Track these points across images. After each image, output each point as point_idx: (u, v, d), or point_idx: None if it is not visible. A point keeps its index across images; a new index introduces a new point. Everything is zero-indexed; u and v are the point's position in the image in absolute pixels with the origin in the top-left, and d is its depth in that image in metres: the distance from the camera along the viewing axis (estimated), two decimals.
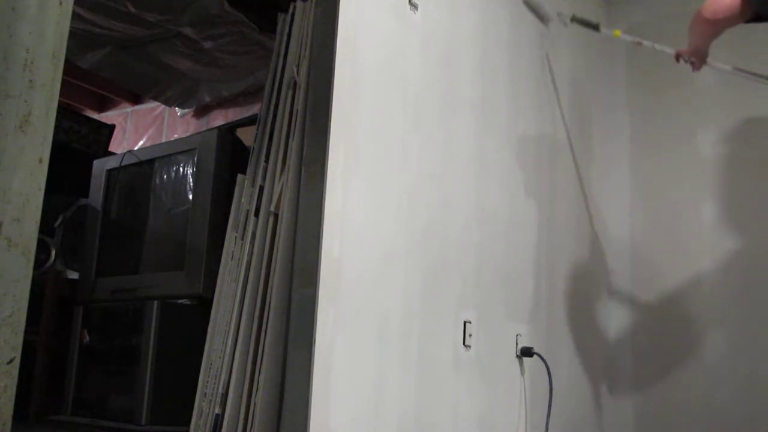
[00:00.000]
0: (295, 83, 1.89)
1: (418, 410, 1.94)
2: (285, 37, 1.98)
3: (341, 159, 1.76)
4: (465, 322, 2.17)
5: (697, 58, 2.45)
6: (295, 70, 1.90)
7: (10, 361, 0.80)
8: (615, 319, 3.18)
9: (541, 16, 2.79)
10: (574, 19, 2.81)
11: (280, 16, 2.03)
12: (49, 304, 2.55)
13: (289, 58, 1.94)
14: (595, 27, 2.77)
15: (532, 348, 2.45)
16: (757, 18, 2.18)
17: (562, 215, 2.86)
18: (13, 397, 0.82)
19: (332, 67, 1.77)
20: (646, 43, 2.61)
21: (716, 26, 2.22)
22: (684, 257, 3.06)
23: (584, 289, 3.02)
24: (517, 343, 2.44)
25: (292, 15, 1.98)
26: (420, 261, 2.00)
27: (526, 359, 2.47)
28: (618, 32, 2.70)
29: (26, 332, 0.84)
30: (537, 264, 2.62)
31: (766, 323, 2.84)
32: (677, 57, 2.48)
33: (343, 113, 1.78)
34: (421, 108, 2.06)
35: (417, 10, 2.08)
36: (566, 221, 2.89)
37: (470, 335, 2.18)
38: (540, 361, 2.47)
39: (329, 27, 1.81)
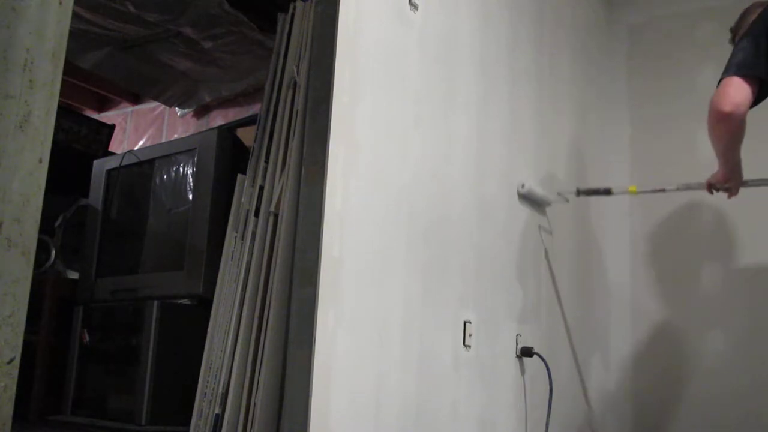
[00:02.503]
0: (295, 83, 1.89)
1: (418, 410, 1.94)
2: (285, 37, 1.98)
3: (341, 159, 1.76)
4: (465, 322, 2.17)
5: (734, 181, 2.19)
6: (295, 70, 1.90)
7: (10, 361, 0.80)
8: (615, 320, 3.18)
9: (541, 202, 2.63)
10: (581, 192, 2.63)
11: (280, 16, 2.03)
12: (49, 304, 2.55)
13: (289, 58, 1.94)
14: (606, 192, 2.57)
15: (532, 348, 2.45)
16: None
17: (562, 214, 2.86)
18: (13, 397, 0.82)
19: (332, 67, 1.77)
20: (668, 188, 2.45)
21: (740, 120, 1.93)
22: (684, 258, 3.06)
23: (584, 290, 3.02)
24: (517, 343, 2.44)
25: (292, 15, 1.98)
26: (420, 261, 2.00)
27: (526, 359, 2.46)
28: (633, 188, 2.54)
29: (26, 332, 0.84)
30: (537, 263, 2.62)
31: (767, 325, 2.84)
32: (709, 188, 2.27)
33: (343, 113, 1.78)
34: (421, 107, 2.06)
35: (417, 10, 2.07)
36: (566, 220, 2.89)
37: (470, 335, 2.18)
38: (540, 361, 2.47)
39: (329, 27, 1.81)
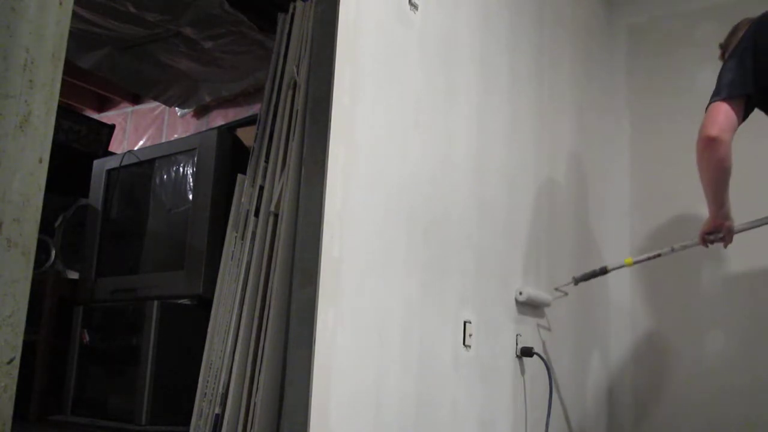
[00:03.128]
0: (295, 83, 1.89)
1: (418, 410, 1.94)
2: (285, 37, 1.98)
3: (341, 159, 1.76)
4: (465, 322, 2.17)
5: (725, 226, 2.20)
6: (295, 70, 1.90)
7: (10, 361, 0.80)
8: (615, 320, 3.18)
9: (540, 304, 2.59)
10: (578, 280, 2.60)
11: (280, 16, 2.03)
12: (49, 304, 2.55)
13: (289, 58, 1.94)
14: (603, 272, 2.58)
15: (532, 348, 2.45)
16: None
17: (563, 214, 2.86)
18: (13, 397, 0.82)
19: (332, 67, 1.77)
20: (663, 251, 2.44)
21: (726, 145, 1.98)
22: (684, 258, 3.05)
23: (584, 289, 3.01)
24: (517, 343, 2.44)
25: (292, 15, 1.98)
26: (420, 260, 2.00)
27: (526, 359, 2.46)
28: (629, 260, 2.54)
29: (26, 332, 0.84)
30: (537, 263, 2.62)
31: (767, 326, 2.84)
32: (704, 240, 2.28)
33: (343, 113, 1.78)
34: (421, 107, 2.06)
35: (417, 10, 2.08)
36: (566, 221, 2.89)
37: (470, 335, 2.18)
38: (540, 361, 2.47)
39: (329, 27, 1.81)
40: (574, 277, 2.62)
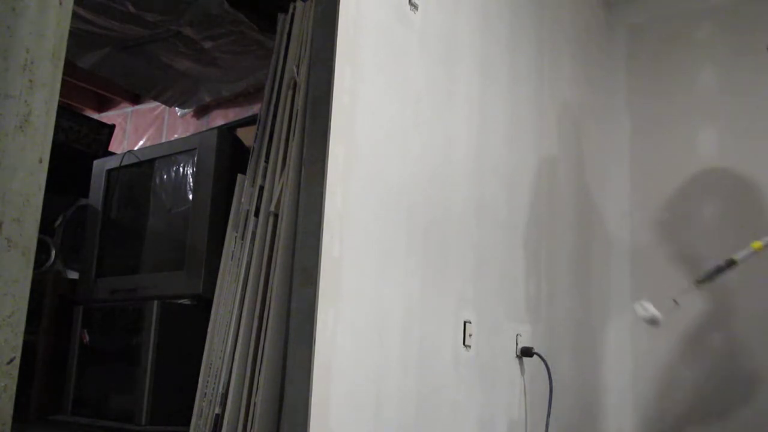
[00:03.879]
0: (295, 83, 1.89)
1: (418, 410, 1.94)
2: (285, 37, 1.99)
3: (341, 159, 1.76)
4: (465, 322, 2.17)
5: None
6: (295, 70, 1.90)
7: (10, 361, 0.80)
8: (615, 320, 3.18)
9: (656, 322, 2.24)
10: (702, 281, 2.19)
11: (280, 16, 2.03)
12: (49, 304, 2.55)
13: (289, 58, 1.94)
14: (730, 264, 2.16)
15: (532, 348, 2.45)
16: None
17: (562, 215, 2.86)
18: (13, 397, 0.82)
19: (332, 67, 1.77)
20: None
21: None
22: (685, 258, 3.05)
23: (584, 289, 3.01)
24: (517, 343, 2.44)
25: (292, 15, 1.98)
26: (420, 260, 2.00)
27: (526, 359, 2.47)
28: (758, 244, 2.14)
29: (26, 332, 0.84)
30: (537, 263, 2.62)
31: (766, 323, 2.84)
32: None
33: (343, 113, 1.78)
34: (420, 107, 2.06)
35: (417, 10, 2.08)
36: (566, 221, 2.89)
37: (470, 335, 2.18)
38: (540, 361, 2.47)
39: (329, 27, 1.81)
40: (696, 280, 2.18)
